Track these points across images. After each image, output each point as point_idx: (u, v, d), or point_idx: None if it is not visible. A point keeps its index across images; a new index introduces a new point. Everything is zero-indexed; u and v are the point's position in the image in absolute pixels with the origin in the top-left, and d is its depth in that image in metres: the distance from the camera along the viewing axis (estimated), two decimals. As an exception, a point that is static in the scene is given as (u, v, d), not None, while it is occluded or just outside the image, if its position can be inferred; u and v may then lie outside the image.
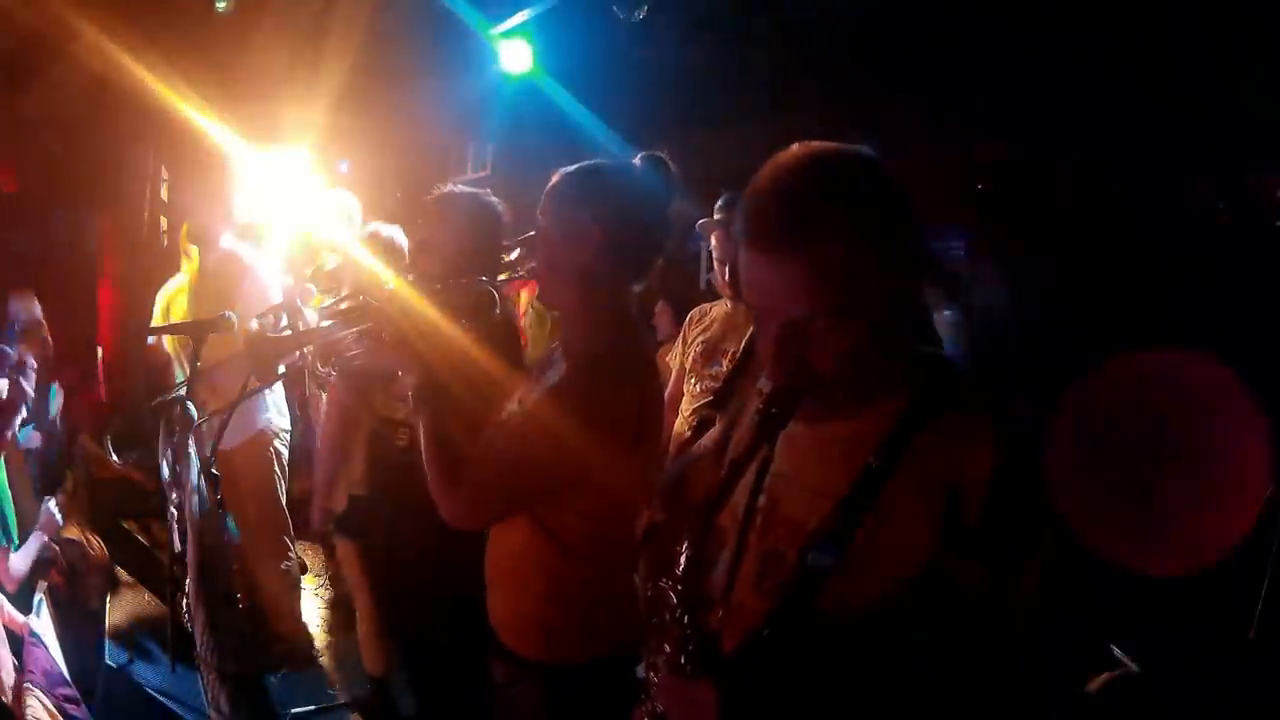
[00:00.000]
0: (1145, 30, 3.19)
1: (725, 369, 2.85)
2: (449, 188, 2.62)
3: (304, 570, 4.52)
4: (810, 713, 1.10)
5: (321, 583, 4.60)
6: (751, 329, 2.86)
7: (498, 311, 2.00)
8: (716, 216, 2.99)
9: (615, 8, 4.35)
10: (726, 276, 2.93)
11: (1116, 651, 2.57)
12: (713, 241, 2.98)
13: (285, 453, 3.78)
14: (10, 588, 2.80)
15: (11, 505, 2.76)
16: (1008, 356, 3.59)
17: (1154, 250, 3.27)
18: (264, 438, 3.65)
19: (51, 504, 3.35)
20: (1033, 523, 1.06)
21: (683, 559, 1.08)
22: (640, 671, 1.25)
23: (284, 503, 3.77)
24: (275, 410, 3.71)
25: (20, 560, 2.82)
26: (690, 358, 3.02)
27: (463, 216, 2.55)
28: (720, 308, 3.07)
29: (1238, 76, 3.01)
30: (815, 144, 1.09)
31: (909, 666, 1.09)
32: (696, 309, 3.15)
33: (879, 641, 1.09)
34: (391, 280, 2.26)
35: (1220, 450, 3.00)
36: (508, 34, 4.81)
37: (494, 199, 2.64)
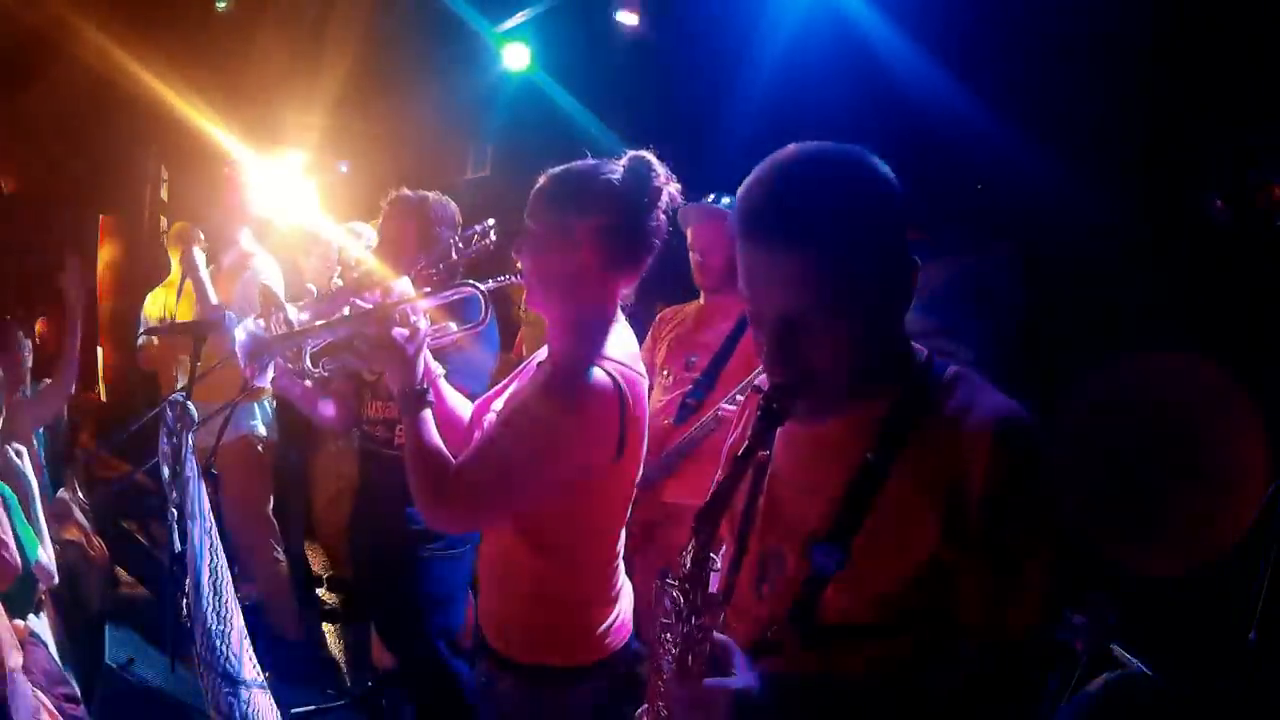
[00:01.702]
0: (1145, 28, 3.19)
1: (699, 360, 2.91)
2: (401, 191, 2.74)
3: (317, 584, 4.54)
4: (817, 714, 1.10)
5: (322, 583, 4.60)
6: (731, 320, 2.88)
7: (487, 315, 2.00)
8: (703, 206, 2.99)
9: (614, 13, 4.36)
10: (700, 268, 2.96)
11: (1117, 651, 2.57)
12: (689, 234, 2.98)
13: (270, 461, 3.82)
14: (46, 584, 2.80)
15: (19, 510, 2.74)
16: (1007, 353, 3.59)
17: (1153, 250, 3.27)
18: (247, 441, 3.69)
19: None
20: (1035, 518, 1.06)
21: (688, 560, 1.07)
22: (643, 673, 1.25)
23: (270, 509, 3.81)
24: (261, 420, 3.75)
25: (49, 562, 2.80)
26: (662, 353, 3.05)
27: (404, 218, 2.68)
28: (693, 305, 3.11)
29: (1238, 75, 3.01)
30: (812, 143, 1.12)
31: (913, 665, 1.09)
32: (670, 308, 3.18)
33: (882, 640, 1.08)
34: (381, 283, 2.28)
35: (1219, 450, 3.00)
36: (507, 35, 4.81)
37: (443, 201, 2.75)
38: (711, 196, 2.98)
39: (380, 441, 2.67)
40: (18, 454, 2.98)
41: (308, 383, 2.39)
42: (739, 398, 2.64)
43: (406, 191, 2.75)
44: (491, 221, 2.62)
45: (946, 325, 3.05)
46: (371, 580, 2.92)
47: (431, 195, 2.74)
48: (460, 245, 2.61)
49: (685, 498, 2.84)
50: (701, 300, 3.06)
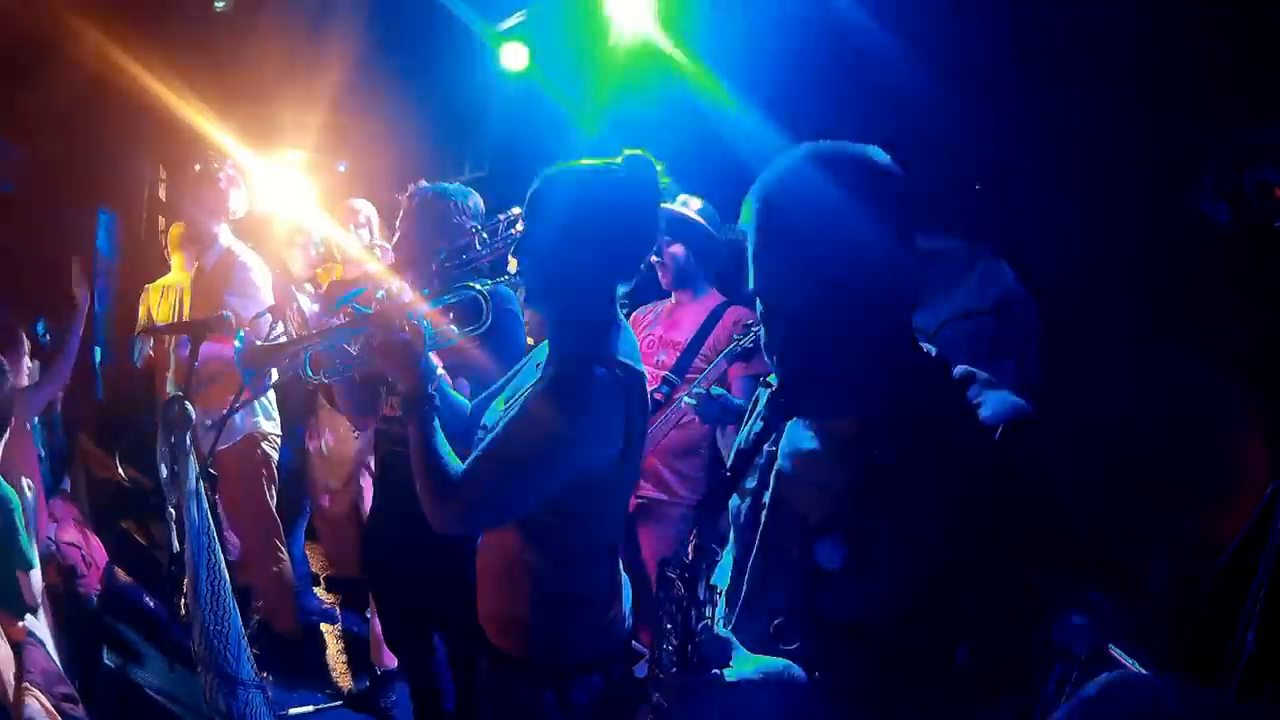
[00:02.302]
0: (1144, 28, 3.19)
1: (666, 358, 2.98)
2: (419, 183, 2.67)
3: (316, 583, 4.53)
4: (816, 708, 1.10)
5: (321, 583, 4.61)
6: (697, 318, 2.97)
7: (487, 318, 1.99)
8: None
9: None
10: (657, 266, 3.01)
11: (1117, 652, 2.56)
12: None
13: (274, 455, 3.78)
14: (33, 603, 2.78)
15: (23, 521, 2.72)
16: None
17: (1153, 249, 3.27)
18: (251, 440, 3.66)
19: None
20: (1038, 517, 1.06)
21: (690, 552, 1.08)
22: (643, 669, 1.25)
23: (274, 505, 3.78)
24: (263, 414, 3.72)
25: (37, 585, 2.79)
26: None
27: (424, 209, 2.61)
28: (664, 305, 3.16)
29: (1238, 75, 3.01)
30: (822, 142, 1.14)
31: (917, 660, 1.09)
32: (642, 308, 3.22)
33: (884, 636, 1.09)
34: (384, 287, 2.24)
35: (1219, 450, 3.00)
36: (506, 34, 4.81)
37: (465, 190, 2.67)
38: (682, 199, 3.03)
39: (397, 439, 2.61)
40: (29, 487, 2.97)
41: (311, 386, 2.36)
42: (697, 390, 2.69)
43: (425, 183, 2.66)
44: (517, 211, 2.53)
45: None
46: (406, 583, 2.78)
47: (452, 185, 2.66)
48: (485, 236, 2.52)
49: (651, 492, 2.88)
50: (672, 300, 3.12)
